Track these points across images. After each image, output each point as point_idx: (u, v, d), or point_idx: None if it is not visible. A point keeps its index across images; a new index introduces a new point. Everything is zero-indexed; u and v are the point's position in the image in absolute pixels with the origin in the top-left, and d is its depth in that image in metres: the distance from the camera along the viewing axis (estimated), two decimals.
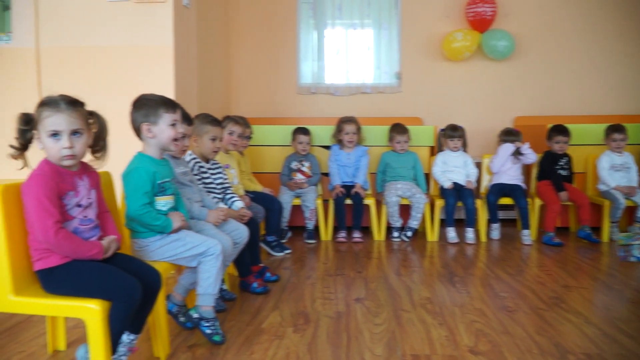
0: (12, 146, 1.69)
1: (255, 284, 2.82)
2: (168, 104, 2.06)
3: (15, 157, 1.69)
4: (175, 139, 2.10)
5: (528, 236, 4.11)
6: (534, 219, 4.24)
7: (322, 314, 2.50)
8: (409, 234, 4.21)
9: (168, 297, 2.32)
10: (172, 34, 3.38)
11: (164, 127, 2.04)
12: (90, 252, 1.68)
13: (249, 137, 3.87)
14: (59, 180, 1.66)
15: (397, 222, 4.23)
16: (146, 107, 2.04)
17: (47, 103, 1.66)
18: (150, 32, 3.39)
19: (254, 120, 5.29)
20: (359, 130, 4.35)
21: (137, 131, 2.08)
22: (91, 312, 1.61)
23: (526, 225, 4.15)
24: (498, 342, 2.15)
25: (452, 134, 4.34)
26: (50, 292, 1.68)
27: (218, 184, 2.86)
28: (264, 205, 3.46)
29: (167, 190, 2.08)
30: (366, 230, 4.41)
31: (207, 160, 2.82)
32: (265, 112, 5.54)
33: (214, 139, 2.73)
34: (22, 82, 3.53)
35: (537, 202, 4.28)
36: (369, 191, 4.39)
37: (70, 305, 1.64)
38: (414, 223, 4.21)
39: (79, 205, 1.72)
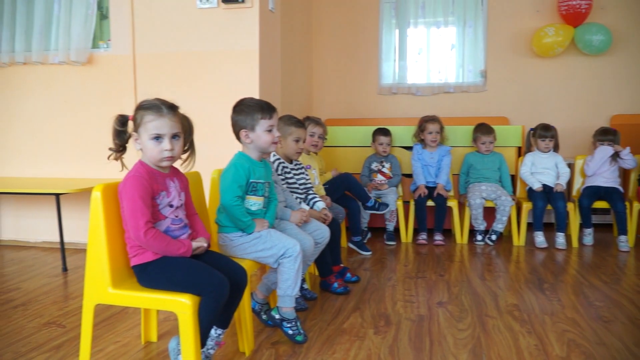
0: (110, 148, 1.80)
1: (335, 284, 2.84)
2: (265, 110, 2.12)
3: (115, 159, 1.80)
4: (274, 142, 2.16)
5: (625, 242, 3.84)
6: (632, 224, 3.95)
7: (403, 316, 2.47)
8: (494, 237, 4.06)
9: (251, 295, 2.37)
10: (258, 37, 3.47)
11: (260, 133, 2.12)
12: (178, 251, 1.76)
13: (324, 138, 3.90)
14: (152, 182, 1.75)
15: (481, 225, 4.10)
16: (244, 113, 2.13)
17: (149, 107, 1.75)
18: (237, 36, 3.49)
19: (334, 121, 5.34)
20: (442, 129, 4.26)
21: (237, 135, 2.16)
22: (183, 306, 1.68)
23: (623, 231, 3.87)
24: (592, 354, 2.02)
25: (544, 134, 4.12)
26: (145, 286, 1.77)
27: (300, 185, 2.89)
28: (342, 185, 3.55)
29: (258, 190, 2.15)
30: (447, 233, 4.30)
31: (290, 161, 2.87)
32: (345, 112, 5.55)
33: (297, 140, 2.77)
34: (120, 88, 3.76)
35: (636, 206, 3.98)
36: (451, 192, 4.28)
37: (164, 298, 1.72)
38: (499, 226, 4.06)
39: (170, 206, 1.80)
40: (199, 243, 1.84)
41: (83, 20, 3.80)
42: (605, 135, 4.10)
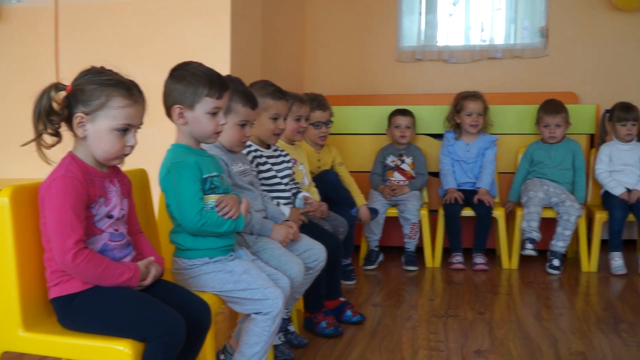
0: (46, 132, 1.76)
1: (323, 323, 2.83)
2: (215, 85, 2.08)
3: (47, 147, 1.78)
4: (217, 132, 2.13)
5: None
6: None
7: None
8: (556, 262, 3.99)
9: (224, 348, 2.39)
10: None
11: (200, 115, 2.07)
12: (121, 278, 1.76)
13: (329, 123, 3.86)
14: (88, 184, 1.76)
15: (535, 234, 3.99)
16: (185, 82, 2.08)
17: (117, 85, 1.76)
18: None
19: (334, 98, 5.31)
20: (485, 110, 4.26)
21: (168, 110, 2.13)
22: (119, 355, 1.67)
23: None
24: None
25: (624, 116, 4.10)
26: (67, 327, 1.78)
27: (283, 178, 2.85)
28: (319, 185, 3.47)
29: (218, 187, 2.11)
30: (490, 255, 4.30)
31: (267, 146, 2.84)
32: (350, 88, 5.55)
33: (276, 119, 2.73)
34: (37, 52, 3.77)
35: None
36: (496, 199, 4.30)
37: (93, 345, 1.72)
38: (559, 245, 4.01)
39: (109, 216, 1.82)
40: (151, 269, 1.85)
41: None
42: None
